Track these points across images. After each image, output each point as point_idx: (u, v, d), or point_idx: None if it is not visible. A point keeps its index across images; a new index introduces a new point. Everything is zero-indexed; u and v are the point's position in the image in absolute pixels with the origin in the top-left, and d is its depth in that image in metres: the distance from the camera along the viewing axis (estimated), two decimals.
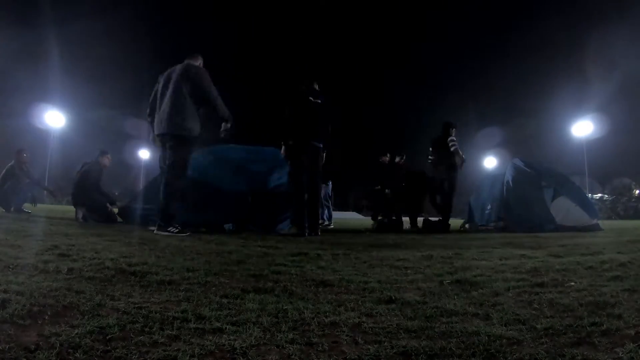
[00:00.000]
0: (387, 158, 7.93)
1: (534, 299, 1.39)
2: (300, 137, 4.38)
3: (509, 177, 6.50)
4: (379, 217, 7.54)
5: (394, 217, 7.02)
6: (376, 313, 1.21)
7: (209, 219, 4.45)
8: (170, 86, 3.90)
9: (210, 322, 1.04)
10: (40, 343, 0.85)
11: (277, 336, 0.97)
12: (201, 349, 0.86)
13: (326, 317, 1.14)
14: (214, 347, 0.88)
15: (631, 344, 0.93)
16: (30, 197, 6.99)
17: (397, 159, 7.73)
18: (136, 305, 1.17)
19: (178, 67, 4.00)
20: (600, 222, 6.46)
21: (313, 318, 1.13)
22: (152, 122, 4.13)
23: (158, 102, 4.01)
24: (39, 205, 6.87)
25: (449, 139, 6.47)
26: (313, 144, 4.44)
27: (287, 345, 0.92)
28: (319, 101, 4.53)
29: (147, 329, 0.97)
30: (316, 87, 4.63)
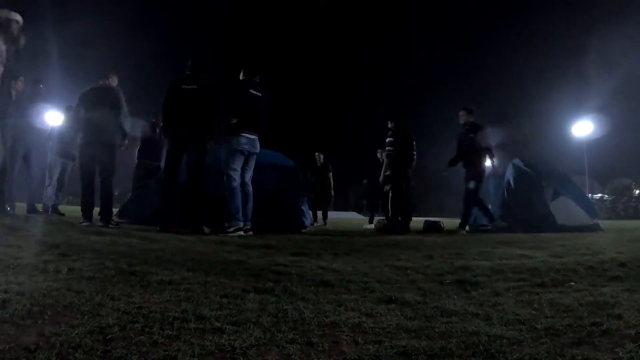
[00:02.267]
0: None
1: (534, 299, 1.39)
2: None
3: (509, 177, 6.50)
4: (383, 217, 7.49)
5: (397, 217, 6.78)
6: (376, 313, 1.21)
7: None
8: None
9: (210, 322, 1.04)
10: (40, 343, 0.85)
11: (277, 336, 0.97)
12: (201, 349, 0.86)
13: (326, 317, 1.15)
14: (214, 347, 0.88)
15: (631, 344, 0.93)
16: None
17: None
18: (136, 305, 1.17)
19: None
20: (600, 222, 6.45)
21: (313, 318, 1.13)
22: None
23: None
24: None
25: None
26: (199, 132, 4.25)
27: (287, 345, 0.92)
28: (260, 94, 4.43)
29: (147, 329, 0.97)
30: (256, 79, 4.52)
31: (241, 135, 4.26)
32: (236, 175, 4.26)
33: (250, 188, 4.40)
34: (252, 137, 4.33)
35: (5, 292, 1.19)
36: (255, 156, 4.44)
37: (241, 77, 4.52)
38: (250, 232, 4.15)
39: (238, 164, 4.29)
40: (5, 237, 2.48)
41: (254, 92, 4.40)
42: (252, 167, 4.45)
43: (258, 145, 4.43)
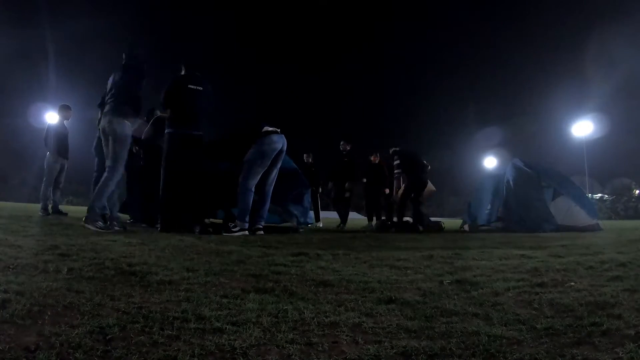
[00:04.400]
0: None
1: (534, 299, 1.39)
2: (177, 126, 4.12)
3: (509, 177, 6.51)
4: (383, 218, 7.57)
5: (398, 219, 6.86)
6: (376, 313, 1.21)
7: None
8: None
9: (210, 322, 1.04)
10: (40, 343, 0.85)
11: (277, 336, 0.97)
12: (201, 349, 0.86)
13: (326, 317, 1.14)
14: (214, 347, 0.88)
15: (631, 344, 0.93)
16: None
17: None
18: (136, 305, 1.17)
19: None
20: (600, 222, 6.46)
21: (313, 318, 1.13)
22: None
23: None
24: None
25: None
26: (191, 133, 4.09)
27: (287, 345, 0.91)
28: (201, 88, 4.19)
29: (147, 329, 0.97)
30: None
31: (268, 133, 4.20)
32: (255, 178, 4.22)
33: (271, 189, 4.39)
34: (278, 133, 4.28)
35: (5, 292, 1.19)
36: (282, 156, 4.38)
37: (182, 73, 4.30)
38: (262, 232, 4.16)
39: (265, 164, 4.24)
40: (5, 237, 2.48)
41: (193, 86, 4.18)
42: (277, 167, 4.39)
43: (284, 142, 4.35)
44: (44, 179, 6.33)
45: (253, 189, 4.20)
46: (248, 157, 4.25)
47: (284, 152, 4.39)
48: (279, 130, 4.33)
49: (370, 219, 8.30)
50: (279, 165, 4.40)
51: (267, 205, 4.36)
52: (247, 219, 4.12)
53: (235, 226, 4.03)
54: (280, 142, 4.27)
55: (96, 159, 5.36)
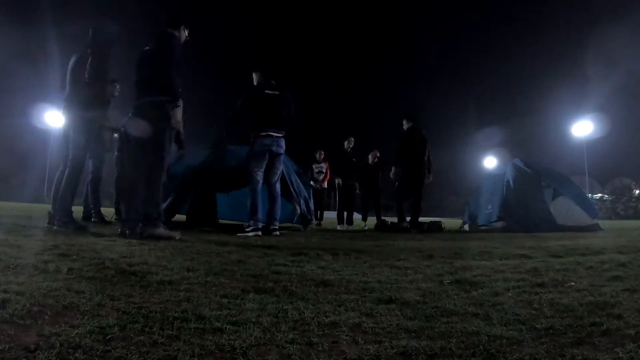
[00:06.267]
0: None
1: (534, 299, 1.39)
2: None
3: (509, 177, 6.50)
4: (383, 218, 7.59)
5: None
6: (376, 313, 1.21)
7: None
8: None
9: (210, 322, 1.04)
10: (40, 343, 0.85)
11: (277, 336, 0.97)
12: (201, 349, 0.86)
13: (326, 317, 1.14)
14: (214, 347, 0.88)
15: (631, 344, 0.93)
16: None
17: None
18: (136, 305, 1.17)
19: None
20: (600, 222, 6.46)
21: (313, 318, 1.13)
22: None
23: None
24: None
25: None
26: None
27: (287, 345, 0.91)
28: (277, 93, 4.33)
29: (147, 329, 0.97)
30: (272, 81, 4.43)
31: (262, 136, 4.22)
32: (258, 176, 4.22)
33: (278, 189, 4.40)
34: (276, 135, 4.27)
35: (5, 292, 1.19)
36: (281, 157, 4.40)
37: (255, 81, 4.47)
38: (277, 232, 4.15)
39: (260, 164, 4.23)
40: (5, 237, 2.48)
41: (270, 92, 4.30)
42: (279, 168, 4.41)
43: (283, 145, 4.37)
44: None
45: (257, 188, 4.20)
46: (246, 157, 4.33)
47: (281, 155, 4.39)
48: (278, 134, 4.31)
49: (365, 219, 8.34)
50: (278, 167, 4.40)
51: (278, 206, 4.36)
52: (258, 217, 4.10)
53: (249, 226, 4.03)
54: (272, 144, 4.26)
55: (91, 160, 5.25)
